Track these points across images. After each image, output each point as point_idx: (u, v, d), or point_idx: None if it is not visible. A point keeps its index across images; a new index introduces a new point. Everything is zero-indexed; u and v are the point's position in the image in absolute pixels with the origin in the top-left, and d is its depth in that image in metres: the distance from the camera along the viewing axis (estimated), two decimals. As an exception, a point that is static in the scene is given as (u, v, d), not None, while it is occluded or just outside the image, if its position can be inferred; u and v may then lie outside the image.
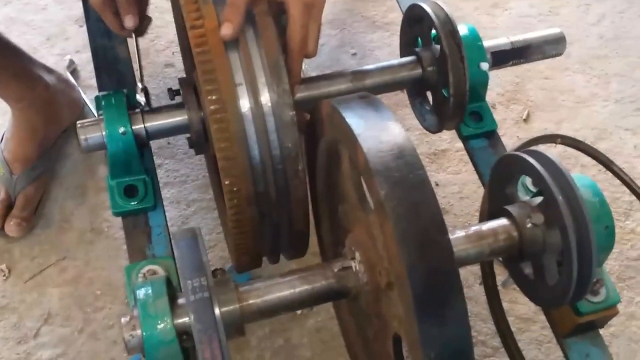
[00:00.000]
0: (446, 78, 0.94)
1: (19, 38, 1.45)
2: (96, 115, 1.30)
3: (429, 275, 0.59)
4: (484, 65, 0.98)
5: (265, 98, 0.78)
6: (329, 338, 1.13)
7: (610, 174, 0.96)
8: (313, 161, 0.88)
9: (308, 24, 0.80)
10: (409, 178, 0.62)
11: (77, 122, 0.92)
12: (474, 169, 1.05)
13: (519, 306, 1.17)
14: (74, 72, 1.42)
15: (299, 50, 0.81)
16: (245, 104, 0.77)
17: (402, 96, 1.34)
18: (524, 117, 1.40)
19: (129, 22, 0.94)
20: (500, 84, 1.43)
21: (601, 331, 0.87)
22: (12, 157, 1.23)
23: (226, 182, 0.78)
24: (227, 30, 0.76)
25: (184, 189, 1.28)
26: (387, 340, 0.75)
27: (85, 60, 1.44)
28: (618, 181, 0.95)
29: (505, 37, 1.03)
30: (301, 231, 0.85)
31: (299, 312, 1.13)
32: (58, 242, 1.22)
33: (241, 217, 0.80)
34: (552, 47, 1.05)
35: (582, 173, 1.30)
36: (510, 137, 1.35)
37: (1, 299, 1.16)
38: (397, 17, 1.53)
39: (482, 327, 1.14)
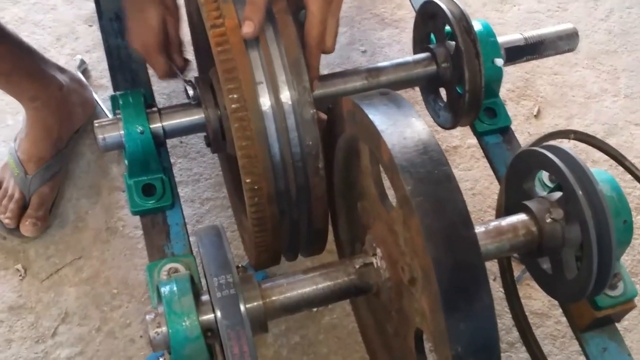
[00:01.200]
0: (461, 74, 0.95)
1: (28, 38, 1.45)
2: (109, 114, 1.32)
3: (455, 269, 0.60)
4: (499, 61, 0.99)
5: (286, 96, 0.78)
6: (345, 335, 1.13)
7: (621, 169, 0.96)
8: (330, 158, 0.88)
9: (327, 19, 0.80)
10: (434, 174, 0.62)
11: (95, 121, 0.93)
12: (485, 165, 1.05)
13: (533, 301, 1.17)
14: (84, 72, 1.42)
15: (317, 46, 0.81)
16: (266, 102, 0.78)
17: (412, 93, 1.35)
18: (534, 113, 1.41)
19: (180, 62, 0.97)
20: (510, 80, 1.44)
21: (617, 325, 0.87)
22: (26, 157, 1.23)
23: (247, 181, 0.78)
24: (248, 28, 0.77)
25: (197, 188, 1.28)
26: (408, 336, 0.76)
27: (95, 60, 1.44)
28: (629, 176, 0.95)
29: (519, 32, 1.03)
30: (320, 229, 0.86)
31: (314, 309, 1.14)
32: (73, 241, 1.22)
33: (262, 215, 0.80)
34: (565, 42, 1.05)
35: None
36: (522, 133, 1.36)
37: (18, 299, 1.17)
38: (406, 14, 1.53)
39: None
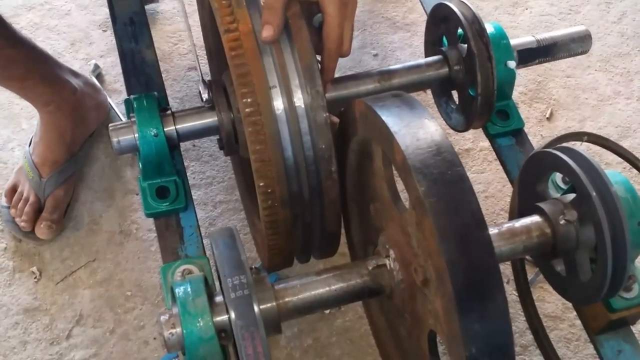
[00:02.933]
0: (473, 77, 0.95)
1: (43, 43, 1.47)
2: (122, 118, 1.33)
3: (469, 270, 0.60)
4: (511, 64, 0.99)
5: (299, 100, 0.79)
6: (358, 337, 1.13)
7: (634, 172, 0.96)
8: (342, 161, 0.88)
9: (344, 22, 0.81)
10: (447, 175, 0.62)
11: (109, 125, 0.93)
12: (498, 167, 1.05)
13: (547, 304, 1.17)
14: (98, 76, 1.43)
15: (336, 49, 0.82)
16: (279, 106, 0.78)
17: (424, 95, 1.35)
18: (547, 116, 1.41)
19: None
20: (522, 82, 1.44)
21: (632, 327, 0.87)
22: (40, 160, 1.24)
23: (260, 184, 0.78)
24: (268, 32, 0.77)
25: (210, 191, 1.29)
26: (421, 338, 0.76)
27: (109, 65, 1.45)
28: (643, 178, 0.95)
29: (532, 35, 1.03)
30: (333, 231, 0.86)
31: (327, 311, 1.14)
32: (88, 244, 1.23)
33: (275, 219, 0.81)
34: (578, 45, 1.05)
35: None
36: (534, 136, 1.35)
37: (33, 301, 1.18)
38: (417, 17, 1.53)
39: (509, 325, 1.15)
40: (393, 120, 0.68)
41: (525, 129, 1.06)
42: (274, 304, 0.73)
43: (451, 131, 1.06)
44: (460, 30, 0.96)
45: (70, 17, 1.56)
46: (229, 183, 1.29)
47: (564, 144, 0.87)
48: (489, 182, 1.31)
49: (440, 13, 1.01)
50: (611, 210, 0.73)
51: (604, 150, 0.96)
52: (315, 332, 1.13)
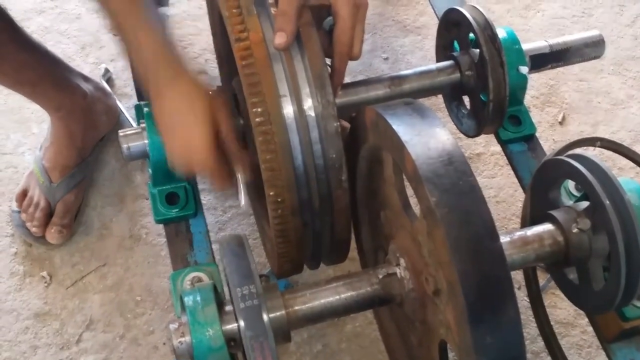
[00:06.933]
0: (485, 82, 0.94)
1: (54, 47, 1.47)
2: (133, 123, 1.33)
3: (481, 281, 0.59)
4: (524, 69, 0.98)
5: (310, 109, 0.78)
6: (368, 343, 1.13)
7: (649, 177, 0.95)
8: (353, 167, 0.88)
9: (356, 25, 0.80)
10: (459, 185, 0.62)
11: (119, 131, 0.93)
12: (509, 172, 1.04)
13: (559, 311, 1.16)
14: (109, 80, 1.43)
15: (347, 52, 0.81)
16: (289, 115, 0.78)
17: (434, 100, 1.34)
18: (559, 120, 1.39)
19: (244, 172, 0.83)
20: (534, 86, 1.42)
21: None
22: (51, 165, 1.24)
23: (271, 193, 0.78)
24: (281, 39, 0.77)
25: (219, 196, 1.29)
26: (432, 347, 0.75)
27: (119, 69, 1.45)
28: (658, 185, 0.94)
29: (544, 40, 1.02)
30: (343, 239, 0.86)
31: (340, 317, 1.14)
32: (98, 249, 1.23)
33: (285, 227, 0.81)
34: (591, 49, 1.04)
35: (620, 176, 1.28)
36: (546, 140, 1.34)
37: (43, 306, 1.18)
38: (428, 20, 1.52)
39: (521, 332, 1.14)
40: (404, 129, 0.68)
41: (538, 134, 1.05)
42: (284, 312, 0.73)
43: (462, 135, 1.05)
44: (472, 35, 0.96)
45: (81, 21, 1.56)
46: (239, 188, 1.28)
47: (577, 151, 0.86)
48: (501, 187, 1.30)
49: (452, 18, 1.00)
50: (625, 219, 0.72)
51: (617, 155, 0.95)
52: (325, 337, 1.13)
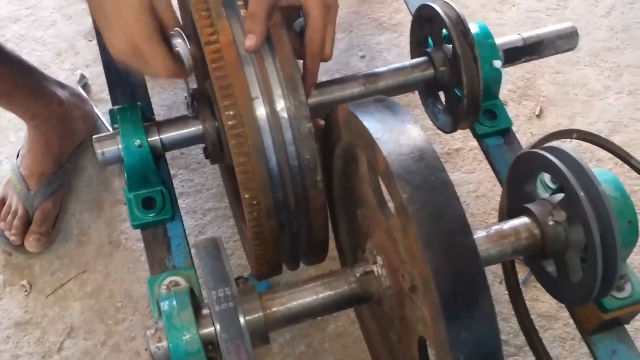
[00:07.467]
0: (459, 78, 0.94)
1: (29, 55, 1.46)
2: (110, 128, 1.32)
3: (455, 277, 0.59)
4: (497, 63, 0.98)
5: (283, 111, 0.78)
6: (351, 343, 1.12)
7: (627, 168, 0.95)
8: (329, 166, 0.87)
9: (327, 25, 0.80)
10: (430, 181, 0.62)
11: (94, 136, 0.92)
12: (488, 167, 1.04)
13: (541, 304, 1.16)
14: (85, 86, 1.42)
15: (320, 52, 0.81)
16: (262, 118, 0.77)
17: (413, 97, 1.34)
18: (537, 113, 1.40)
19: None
20: (511, 80, 1.43)
21: (626, 326, 0.86)
22: (28, 173, 1.23)
23: (246, 196, 0.78)
24: (251, 41, 0.76)
25: (199, 199, 1.28)
26: (412, 344, 0.75)
27: (96, 75, 1.44)
28: (635, 174, 0.94)
29: (517, 33, 1.02)
30: (321, 240, 0.85)
31: (319, 318, 1.13)
32: (77, 256, 1.22)
33: (261, 230, 0.80)
34: (565, 42, 1.04)
35: (599, 167, 1.29)
36: (524, 134, 1.35)
37: (24, 315, 1.17)
38: (404, 18, 1.53)
39: (504, 326, 1.14)
40: (375, 126, 0.67)
41: (515, 127, 1.05)
42: (261, 314, 0.72)
43: (441, 132, 1.05)
44: (445, 31, 0.96)
45: (56, 28, 1.55)
46: (218, 190, 1.28)
47: (552, 144, 0.86)
48: (480, 181, 1.30)
49: (425, 14, 1.00)
50: (600, 210, 0.72)
51: (596, 146, 0.95)
52: (308, 338, 1.13)
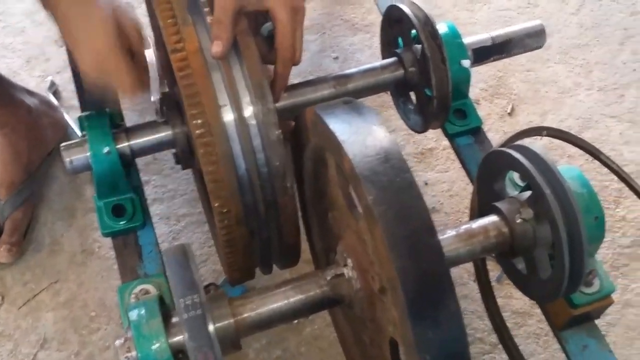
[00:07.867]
0: (428, 78, 0.95)
1: (-2, 62, 1.45)
2: (80, 135, 1.31)
3: (420, 278, 0.59)
4: (466, 63, 0.98)
5: (251, 118, 0.77)
6: (327, 346, 1.12)
7: (597, 163, 0.96)
8: (300, 168, 0.87)
9: (296, 29, 0.80)
10: (396, 182, 0.62)
11: (61, 144, 0.91)
12: (461, 166, 1.05)
13: (515, 301, 1.17)
14: (55, 93, 1.41)
15: (291, 57, 0.81)
16: (230, 125, 0.77)
17: (386, 97, 1.34)
18: (508, 111, 1.41)
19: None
20: (482, 79, 1.44)
21: (597, 320, 0.87)
22: (-3, 182, 1.22)
23: (216, 204, 0.77)
24: (217, 48, 0.76)
25: (173, 204, 1.27)
26: (383, 345, 0.75)
27: (66, 81, 1.43)
28: (606, 170, 0.95)
29: (486, 32, 1.03)
30: (292, 244, 0.85)
31: (295, 321, 1.13)
32: (49, 265, 1.21)
33: (232, 237, 0.80)
34: (533, 40, 1.05)
35: (569, 163, 1.30)
36: (496, 132, 1.35)
37: (-5, 327, 1.15)
38: (376, 18, 1.53)
39: (479, 324, 1.14)
40: (341, 127, 0.67)
41: (487, 125, 1.06)
42: (232, 320, 0.72)
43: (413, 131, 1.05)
44: (414, 32, 0.96)
45: (25, 34, 1.53)
46: (192, 195, 1.27)
47: (519, 142, 0.87)
48: (453, 180, 1.31)
49: (394, 15, 1.00)
50: (566, 206, 0.73)
51: (566, 143, 0.96)
52: (284, 342, 1.12)
